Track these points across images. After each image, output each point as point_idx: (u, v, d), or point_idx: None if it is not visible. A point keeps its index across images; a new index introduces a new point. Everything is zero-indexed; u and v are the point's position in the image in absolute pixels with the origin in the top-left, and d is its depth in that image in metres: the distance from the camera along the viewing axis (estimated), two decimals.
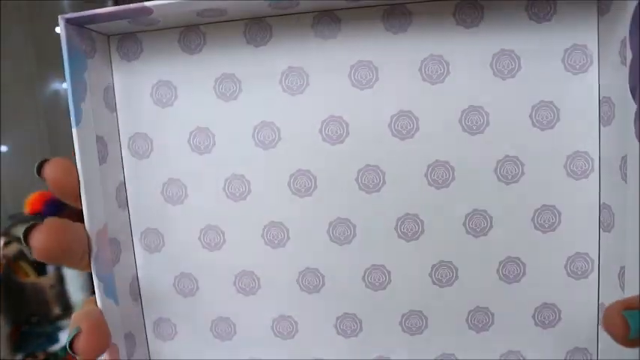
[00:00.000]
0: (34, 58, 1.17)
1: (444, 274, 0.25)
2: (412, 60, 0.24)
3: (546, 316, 0.25)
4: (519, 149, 0.24)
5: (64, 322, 1.04)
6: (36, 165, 0.21)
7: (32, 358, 0.91)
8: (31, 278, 1.02)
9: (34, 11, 1.15)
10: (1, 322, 0.92)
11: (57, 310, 1.05)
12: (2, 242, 1.02)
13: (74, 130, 0.21)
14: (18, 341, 0.96)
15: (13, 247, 1.02)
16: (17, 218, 1.10)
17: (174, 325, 0.27)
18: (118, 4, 0.21)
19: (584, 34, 0.23)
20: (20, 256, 1.02)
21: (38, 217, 1.09)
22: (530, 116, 0.24)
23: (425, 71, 0.24)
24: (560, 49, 0.23)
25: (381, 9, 0.24)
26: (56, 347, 0.95)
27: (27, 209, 1.12)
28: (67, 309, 1.07)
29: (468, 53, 0.23)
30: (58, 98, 1.24)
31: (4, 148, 1.14)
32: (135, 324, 0.26)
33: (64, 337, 0.98)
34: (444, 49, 0.24)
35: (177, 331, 0.27)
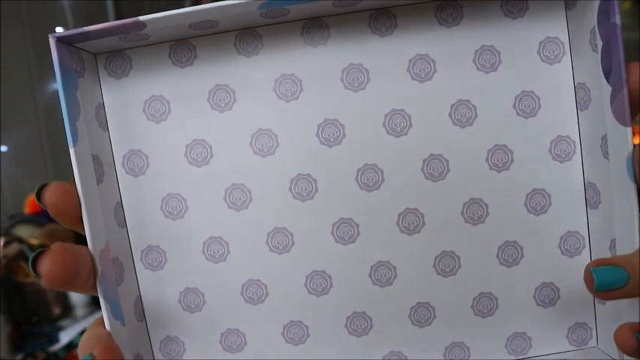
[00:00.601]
0: (34, 59, 1.17)
1: (447, 264, 0.26)
2: (400, 60, 0.25)
3: (546, 295, 0.26)
4: (507, 138, 0.25)
5: (64, 322, 1.04)
6: (35, 190, 0.21)
7: (32, 358, 0.92)
8: (31, 278, 1.02)
9: (33, 12, 1.15)
10: (1, 322, 0.92)
11: (57, 310, 1.05)
12: (2, 242, 1.02)
13: (71, 150, 0.21)
14: (18, 341, 0.96)
15: (13, 247, 1.02)
16: (17, 218, 1.10)
17: (183, 342, 0.27)
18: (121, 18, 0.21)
19: (555, 27, 0.25)
20: (20, 256, 1.02)
21: (38, 217, 1.09)
22: (514, 106, 0.25)
23: (413, 70, 0.25)
24: (535, 42, 0.25)
25: (367, 14, 0.25)
26: (56, 347, 0.95)
27: (27, 209, 1.13)
28: (67, 309, 1.07)
29: (451, 51, 0.25)
30: (58, 98, 1.24)
31: (4, 148, 1.14)
32: (142, 344, 0.26)
33: (64, 337, 0.98)
34: (429, 48, 0.25)
35: (186, 348, 0.27)
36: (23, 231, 1.06)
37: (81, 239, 0.22)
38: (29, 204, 1.13)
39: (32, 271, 0.20)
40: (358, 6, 0.24)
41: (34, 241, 1.04)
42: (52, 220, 1.08)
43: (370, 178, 0.25)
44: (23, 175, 1.19)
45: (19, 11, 1.12)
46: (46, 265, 0.20)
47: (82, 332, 0.97)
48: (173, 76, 0.25)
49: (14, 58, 1.12)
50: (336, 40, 0.25)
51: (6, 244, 1.02)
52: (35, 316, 1.02)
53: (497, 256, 0.26)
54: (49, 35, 0.21)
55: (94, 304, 1.07)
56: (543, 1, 0.25)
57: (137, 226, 0.26)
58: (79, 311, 1.07)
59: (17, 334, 0.98)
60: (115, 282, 0.24)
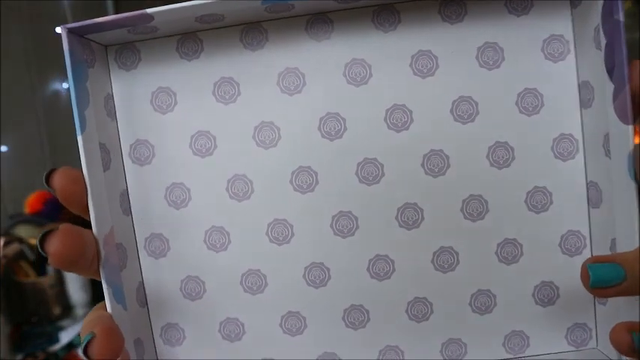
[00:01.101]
0: (34, 58, 1.17)
1: (445, 259, 0.26)
2: (403, 56, 0.25)
3: (545, 294, 0.26)
4: (508, 135, 0.25)
5: (64, 322, 1.04)
6: (44, 174, 0.21)
7: (32, 358, 0.92)
8: (31, 278, 1.02)
9: (34, 11, 1.15)
10: (1, 322, 0.92)
11: (57, 310, 1.04)
12: (2, 242, 1.02)
13: (79, 137, 0.22)
14: (18, 341, 0.96)
15: (13, 247, 1.02)
16: (17, 218, 1.10)
17: (182, 329, 0.27)
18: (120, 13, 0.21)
19: (559, 24, 0.25)
20: (20, 256, 1.02)
21: (38, 217, 1.09)
22: (517, 103, 0.25)
23: (415, 66, 0.25)
24: (539, 39, 0.25)
25: (371, 9, 0.25)
26: (56, 347, 0.95)
27: (27, 209, 1.13)
28: (67, 309, 1.07)
29: (454, 47, 0.25)
30: (58, 98, 1.24)
31: (4, 148, 1.14)
32: (143, 330, 0.26)
33: (64, 337, 0.98)
34: (432, 45, 0.25)
35: (186, 335, 0.27)
36: (23, 231, 1.06)
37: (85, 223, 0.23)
38: (29, 204, 1.13)
39: (40, 250, 0.20)
40: (362, 2, 0.24)
41: (34, 241, 1.04)
42: (52, 220, 1.07)
43: (370, 172, 0.26)
44: (23, 175, 1.19)
45: (19, 11, 1.12)
46: (53, 244, 0.20)
47: None
48: (180, 68, 0.25)
49: (14, 58, 1.12)
50: (340, 35, 0.25)
51: (6, 244, 1.02)
52: (35, 316, 1.02)
53: (497, 253, 0.26)
54: (61, 26, 0.22)
55: (94, 303, 1.07)
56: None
57: (141, 213, 0.26)
58: (79, 311, 1.07)
59: (17, 334, 0.98)
60: (119, 267, 0.24)
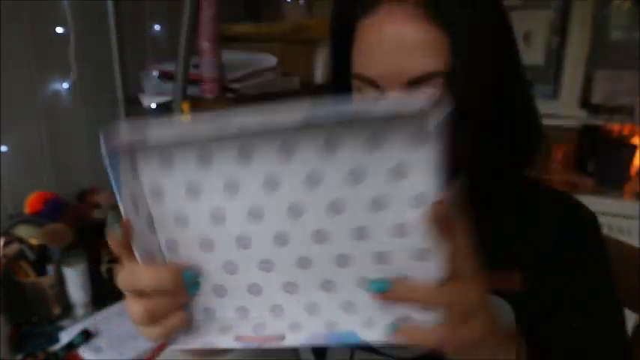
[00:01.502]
0: (34, 58, 1.17)
1: None
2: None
3: None
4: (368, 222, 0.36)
5: (64, 322, 1.04)
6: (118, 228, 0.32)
7: (32, 358, 0.92)
8: (31, 278, 1.02)
9: (34, 11, 1.15)
10: (1, 322, 0.92)
11: (57, 310, 1.05)
12: (2, 242, 1.02)
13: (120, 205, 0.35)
14: (18, 341, 0.96)
15: (13, 247, 1.02)
16: (17, 218, 1.10)
17: None
18: None
19: (406, 154, 0.32)
20: (20, 256, 1.02)
21: (38, 217, 1.08)
22: (370, 211, 0.35)
23: (307, 181, 0.35)
24: (391, 164, 0.33)
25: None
26: (56, 347, 0.95)
27: (27, 209, 1.13)
28: (67, 309, 1.07)
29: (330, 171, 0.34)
30: (58, 98, 1.24)
31: (4, 148, 1.14)
32: None
33: (64, 337, 0.98)
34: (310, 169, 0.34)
35: None
36: (23, 231, 1.06)
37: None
38: (29, 204, 1.13)
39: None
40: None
41: (34, 241, 1.04)
42: (52, 220, 1.06)
43: None
44: (23, 175, 1.18)
45: (19, 11, 1.12)
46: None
47: (82, 332, 0.97)
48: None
49: (14, 58, 1.12)
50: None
51: (6, 244, 1.02)
52: (35, 316, 1.02)
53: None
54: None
55: (94, 303, 1.07)
56: (399, 136, 0.32)
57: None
58: (79, 311, 1.07)
59: (17, 334, 0.98)
60: None
